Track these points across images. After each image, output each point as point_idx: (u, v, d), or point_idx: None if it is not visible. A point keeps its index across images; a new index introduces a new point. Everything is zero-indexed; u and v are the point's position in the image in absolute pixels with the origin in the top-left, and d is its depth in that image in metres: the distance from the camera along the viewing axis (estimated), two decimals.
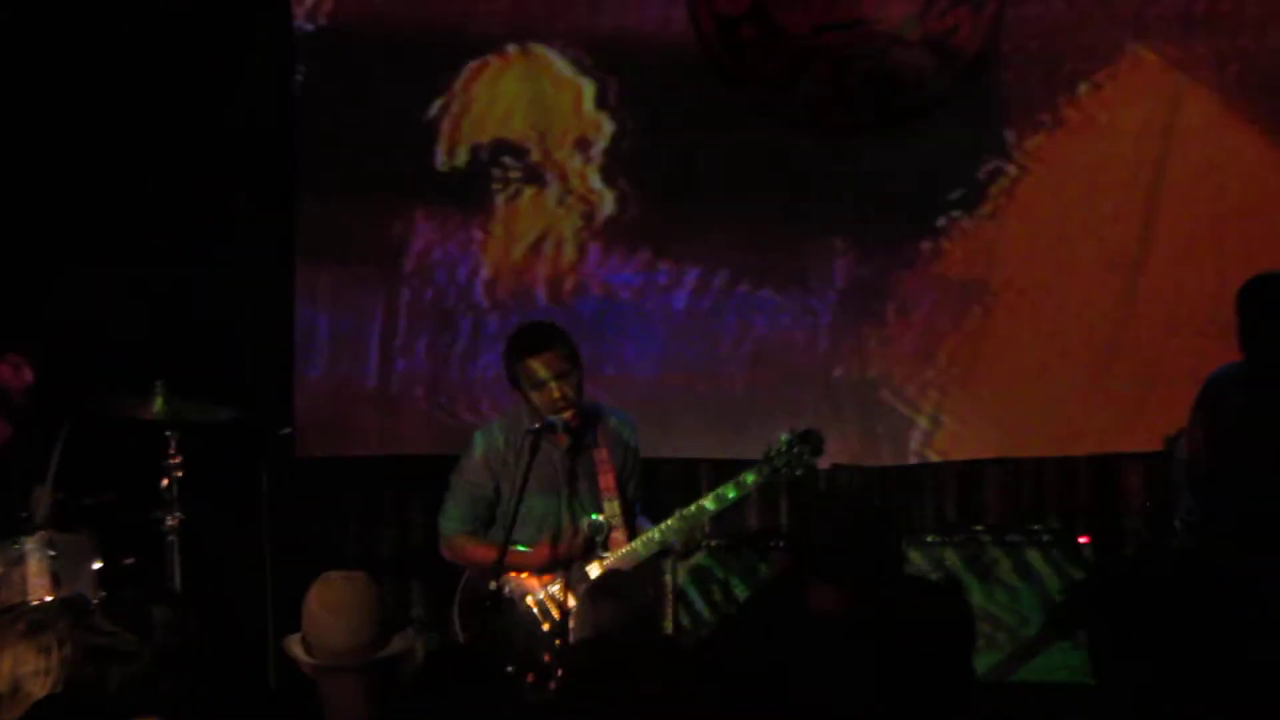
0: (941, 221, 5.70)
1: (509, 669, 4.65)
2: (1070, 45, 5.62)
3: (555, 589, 4.92)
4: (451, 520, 5.18)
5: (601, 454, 4.94)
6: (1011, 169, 5.63)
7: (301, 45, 6.19)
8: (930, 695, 3.38)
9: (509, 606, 4.96)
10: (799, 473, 4.91)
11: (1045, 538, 5.49)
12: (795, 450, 4.85)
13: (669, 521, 4.78)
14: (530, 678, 4.74)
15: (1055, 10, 5.61)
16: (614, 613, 4.39)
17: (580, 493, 5.03)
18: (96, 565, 5.39)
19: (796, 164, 5.84)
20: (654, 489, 5.44)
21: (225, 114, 6.41)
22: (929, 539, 5.50)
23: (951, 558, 5.39)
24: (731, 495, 4.85)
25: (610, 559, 4.83)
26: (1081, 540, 5.52)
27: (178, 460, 5.37)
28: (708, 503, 4.83)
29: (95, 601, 5.14)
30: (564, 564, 4.83)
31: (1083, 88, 5.59)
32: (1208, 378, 4.82)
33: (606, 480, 4.94)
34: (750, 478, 4.89)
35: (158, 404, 5.36)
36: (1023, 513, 5.83)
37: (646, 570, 4.91)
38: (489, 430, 5.19)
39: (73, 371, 5.87)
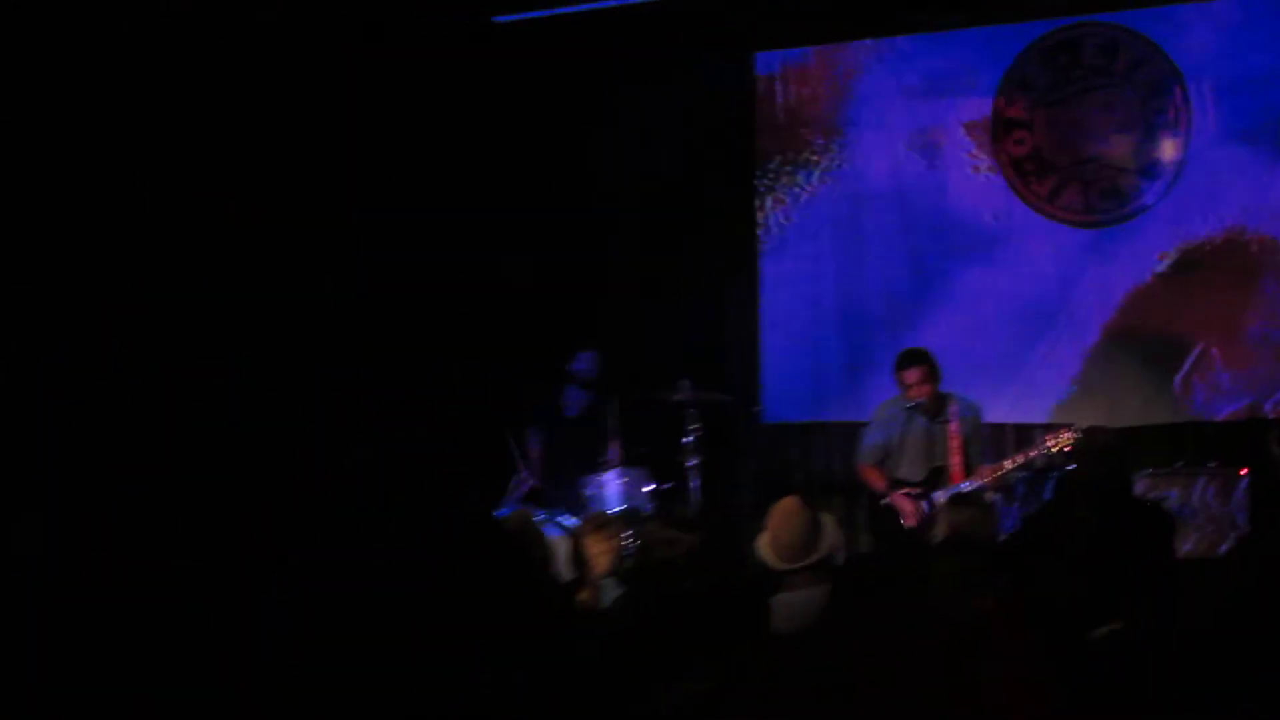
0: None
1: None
2: None
3: (923, 504, 6.56)
4: (864, 455, 6.89)
5: (951, 424, 6.58)
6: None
7: None
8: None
9: (892, 517, 6.63)
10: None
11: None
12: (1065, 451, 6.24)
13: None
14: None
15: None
16: (959, 521, 5.81)
17: (935, 446, 6.64)
18: (649, 488, 7.11)
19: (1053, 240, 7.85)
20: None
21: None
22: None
23: None
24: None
25: (952, 489, 6.47)
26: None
27: (696, 426, 7.22)
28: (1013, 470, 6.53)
29: (649, 510, 6.92)
30: (926, 492, 6.58)
31: None
32: None
33: (952, 440, 6.56)
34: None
35: (683, 392, 7.21)
36: None
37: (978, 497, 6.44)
38: (886, 402, 6.87)
39: (631, 364, 7.68)
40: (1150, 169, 7.64)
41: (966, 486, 6.47)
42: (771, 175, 8.43)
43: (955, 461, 6.55)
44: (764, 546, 4.67)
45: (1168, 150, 7.61)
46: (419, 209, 7.21)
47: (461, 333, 7.44)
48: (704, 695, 3.12)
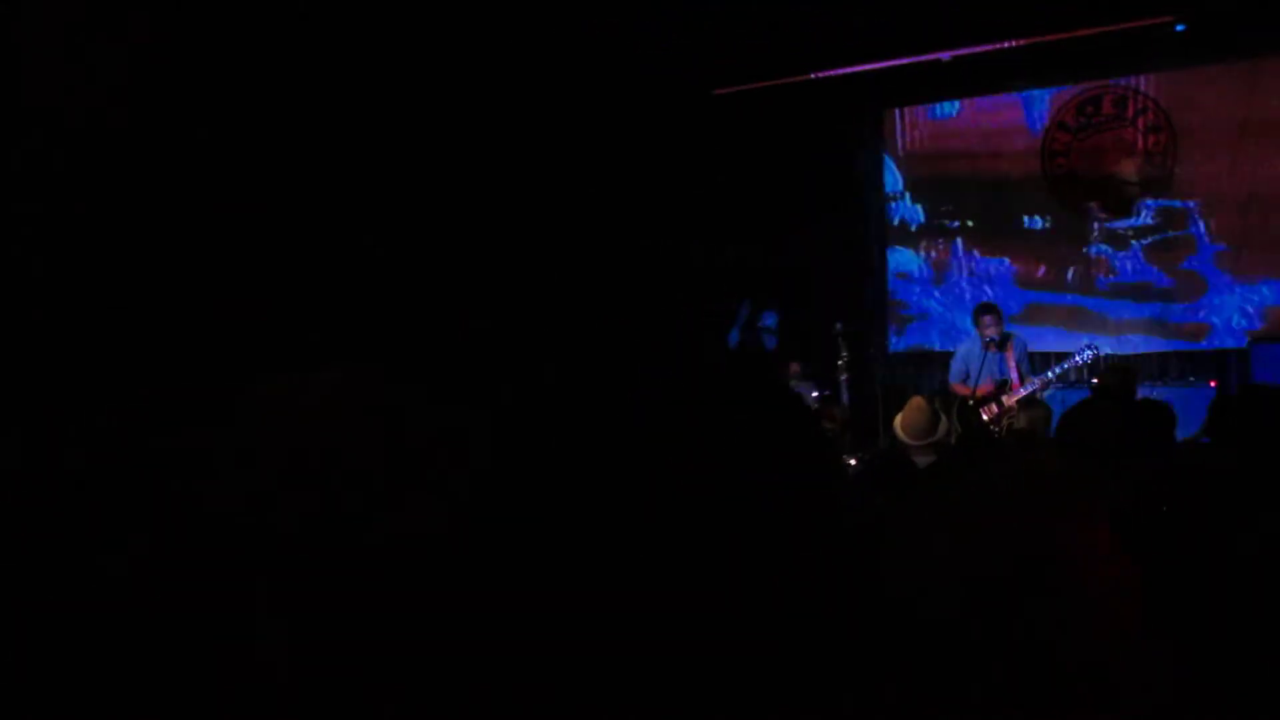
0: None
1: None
2: None
3: (994, 406, 8.28)
4: (954, 375, 8.73)
5: (1009, 352, 8.38)
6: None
7: None
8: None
9: (975, 414, 8.34)
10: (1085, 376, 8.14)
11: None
12: (1088, 366, 7.91)
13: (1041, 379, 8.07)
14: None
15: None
16: (1026, 417, 7.30)
17: (1002, 367, 8.39)
18: (815, 394, 8.91)
19: (1082, 229, 10.17)
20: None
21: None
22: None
23: None
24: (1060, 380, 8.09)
25: (1017, 396, 8.15)
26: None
27: (845, 352, 9.19)
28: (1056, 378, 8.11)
29: (815, 409, 8.52)
30: (996, 397, 8.38)
31: None
32: None
33: (1010, 363, 8.35)
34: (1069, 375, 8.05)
35: (838, 329, 9.25)
36: None
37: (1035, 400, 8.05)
38: (967, 340, 8.79)
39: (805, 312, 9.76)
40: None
41: (1024, 391, 8.23)
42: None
43: (1014, 377, 8.42)
44: (898, 428, 5.52)
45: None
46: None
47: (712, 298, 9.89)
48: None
